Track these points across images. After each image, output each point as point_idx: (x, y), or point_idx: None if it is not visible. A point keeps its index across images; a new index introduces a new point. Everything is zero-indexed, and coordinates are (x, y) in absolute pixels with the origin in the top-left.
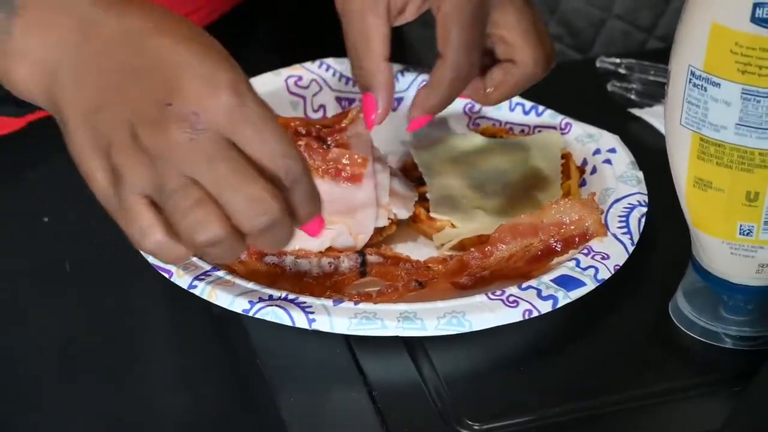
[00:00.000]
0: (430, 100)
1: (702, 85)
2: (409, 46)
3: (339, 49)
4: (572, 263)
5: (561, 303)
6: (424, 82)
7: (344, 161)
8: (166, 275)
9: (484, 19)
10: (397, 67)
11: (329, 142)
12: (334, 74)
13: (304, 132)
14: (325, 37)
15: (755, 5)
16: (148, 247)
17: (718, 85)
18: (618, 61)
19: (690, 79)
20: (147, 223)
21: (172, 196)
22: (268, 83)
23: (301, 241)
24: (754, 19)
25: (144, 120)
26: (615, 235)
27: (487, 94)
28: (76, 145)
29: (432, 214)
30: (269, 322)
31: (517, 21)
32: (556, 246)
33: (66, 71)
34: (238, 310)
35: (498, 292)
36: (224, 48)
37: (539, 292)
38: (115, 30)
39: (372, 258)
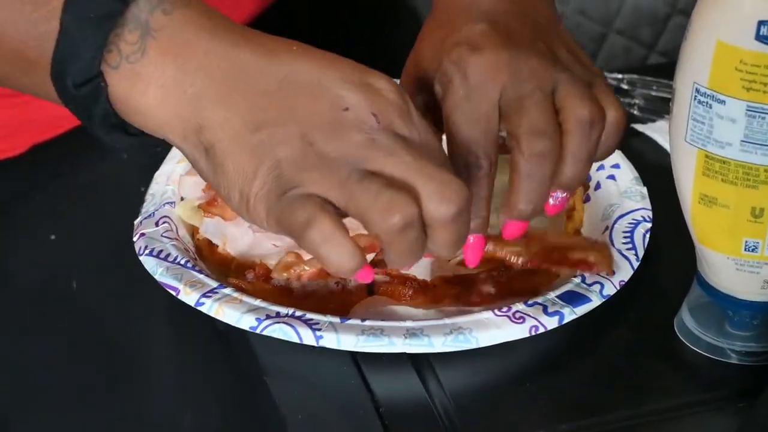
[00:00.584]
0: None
1: (707, 102)
2: None
3: None
4: (578, 279)
5: (567, 319)
6: None
7: None
8: (173, 293)
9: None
10: None
11: None
12: None
13: None
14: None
15: (760, 23)
16: (330, 257)
17: (723, 102)
18: (620, 76)
19: (695, 96)
20: (330, 229)
21: (360, 184)
22: None
23: (306, 255)
24: (759, 37)
25: (320, 128)
26: (620, 251)
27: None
28: (231, 166)
29: None
30: (276, 339)
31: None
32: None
33: (213, 94)
34: (246, 328)
35: (504, 309)
36: None
37: (545, 308)
38: (261, 62)
39: (379, 277)
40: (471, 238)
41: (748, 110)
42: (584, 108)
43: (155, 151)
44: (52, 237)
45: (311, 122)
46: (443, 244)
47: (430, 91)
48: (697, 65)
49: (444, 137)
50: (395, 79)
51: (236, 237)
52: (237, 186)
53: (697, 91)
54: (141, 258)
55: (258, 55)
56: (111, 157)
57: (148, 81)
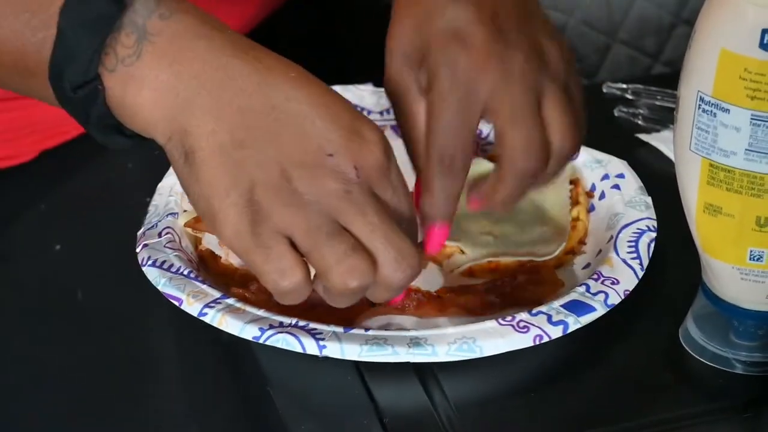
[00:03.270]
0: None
1: (711, 111)
2: None
3: (344, 78)
4: (582, 288)
5: (571, 328)
6: None
7: None
8: (176, 303)
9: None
10: None
11: None
12: None
13: None
14: (330, 66)
15: (764, 31)
16: (285, 287)
17: (727, 110)
18: (625, 86)
19: (699, 105)
20: (290, 263)
21: (328, 241)
22: None
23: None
24: (763, 45)
25: (300, 165)
26: (624, 261)
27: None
28: (207, 176)
29: None
30: (280, 349)
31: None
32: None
33: (204, 103)
34: (249, 338)
35: (508, 318)
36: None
37: (550, 317)
38: (258, 78)
39: None
40: (436, 226)
41: (752, 119)
42: (565, 141)
43: (154, 153)
44: (57, 247)
45: (293, 158)
46: (380, 299)
47: (417, 71)
48: (701, 74)
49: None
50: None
51: None
52: (207, 196)
53: (702, 99)
54: (144, 269)
55: (254, 72)
56: (116, 166)
57: (141, 83)
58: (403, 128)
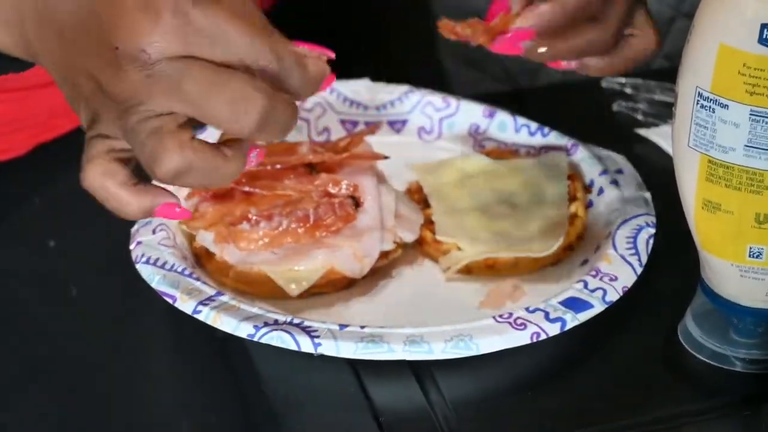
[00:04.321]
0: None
1: (710, 107)
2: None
3: (341, 72)
4: (580, 285)
5: (569, 325)
6: (429, 105)
7: (330, 189)
8: (170, 300)
9: None
10: (401, 89)
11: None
12: (338, 97)
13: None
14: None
15: (763, 26)
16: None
17: (726, 106)
18: (623, 81)
19: (698, 100)
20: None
21: (131, 132)
22: None
23: (304, 263)
24: (762, 41)
25: (101, 69)
26: (623, 257)
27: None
28: (63, 93)
29: (438, 237)
30: (274, 347)
31: None
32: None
33: (30, 29)
34: (243, 335)
35: (505, 315)
36: None
37: (547, 314)
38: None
39: None
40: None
41: (751, 114)
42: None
43: None
44: (51, 243)
45: (95, 61)
46: (270, 138)
47: None
48: (699, 69)
49: None
50: None
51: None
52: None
53: (700, 95)
54: (138, 266)
55: None
56: None
57: None
58: None
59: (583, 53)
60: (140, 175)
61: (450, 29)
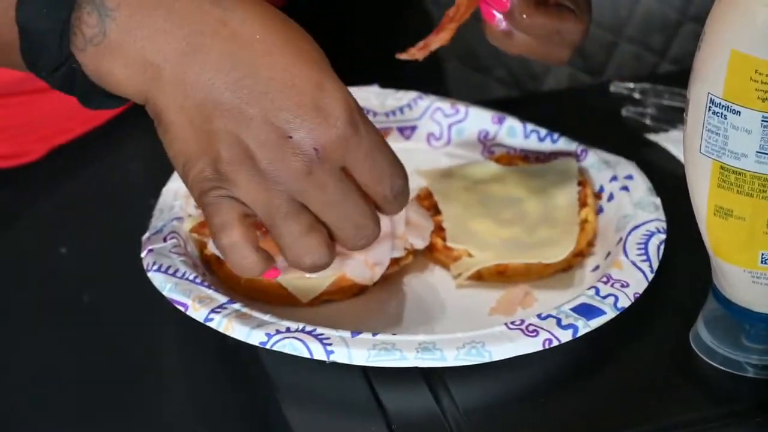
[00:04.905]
0: None
1: (722, 113)
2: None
3: (350, 79)
4: (592, 291)
5: (581, 332)
6: (438, 111)
7: None
8: (182, 308)
9: None
10: (411, 95)
11: None
12: None
13: None
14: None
15: None
16: (235, 260)
17: (738, 112)
18: (632, 86)
19: (709, 107)
20: (239, 239)
21: (285, 221)
22: None
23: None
24: None
25: (263, 144)
26: (634, 263)
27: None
28: (179, 146)
29: (449, 244)
30: (287, 355)
31: None
32: None
33: (170, 78)
34: (255, 343)
35: (517, 322)
36: (326, 59)
37: (559, 321)
38: (222, 47)
39: None
40: None
41: (763, 120)
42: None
43: (159, 153)
44: (63, 250)
45: (257, 138)
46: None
47: None
48: (711, 75)
49: None
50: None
51: None
52: (181, 162)
53: (712, 101)
54: (149, 274)
55: (218, 41)
56: (120, 167)
57: (112, 62)
58: None
59: (554, 34)
60: None
61: (418, 48)
